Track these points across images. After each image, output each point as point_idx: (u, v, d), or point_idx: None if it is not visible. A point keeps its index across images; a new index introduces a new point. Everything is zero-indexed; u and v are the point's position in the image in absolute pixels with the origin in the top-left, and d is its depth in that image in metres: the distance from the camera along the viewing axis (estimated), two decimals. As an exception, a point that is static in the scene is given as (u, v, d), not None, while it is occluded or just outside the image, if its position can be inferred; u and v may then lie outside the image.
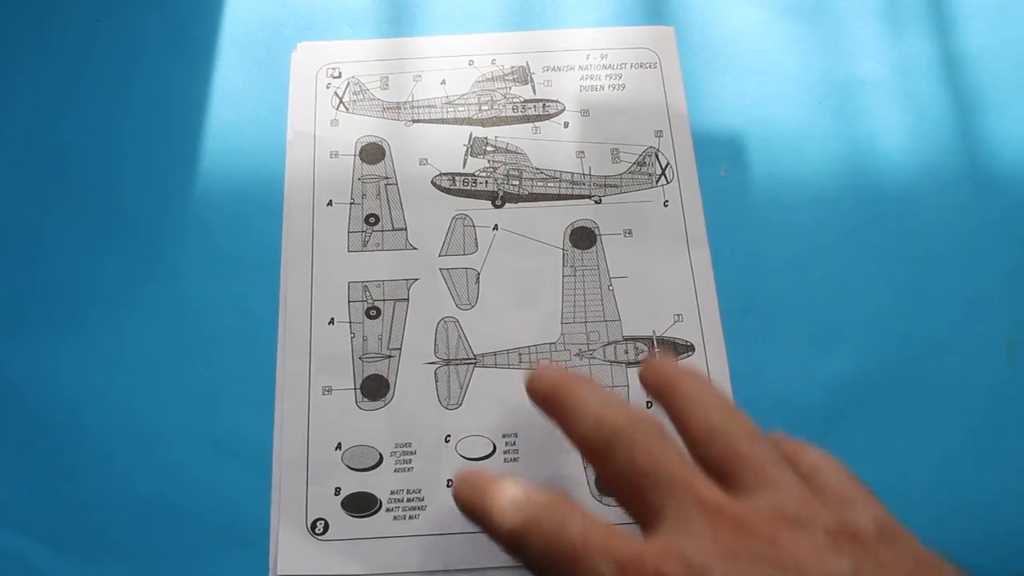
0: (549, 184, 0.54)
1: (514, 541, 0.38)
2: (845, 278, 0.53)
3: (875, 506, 0.36)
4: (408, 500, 0.48)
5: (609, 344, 0.51)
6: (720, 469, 0.37)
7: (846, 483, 0.37)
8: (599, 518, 0.36)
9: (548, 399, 0.42)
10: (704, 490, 0.35)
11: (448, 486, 0.48)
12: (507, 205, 0.54)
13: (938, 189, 0.55)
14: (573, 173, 0.55)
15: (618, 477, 0.37)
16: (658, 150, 0.55)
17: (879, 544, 0.34)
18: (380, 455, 0.48)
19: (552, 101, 0.57)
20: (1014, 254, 0.53)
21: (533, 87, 0.57)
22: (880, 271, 0.53)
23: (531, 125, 0.56)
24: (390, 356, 0.50)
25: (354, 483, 0.48)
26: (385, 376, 0.50)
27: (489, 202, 0.54)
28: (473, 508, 0.40)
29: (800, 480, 0.37)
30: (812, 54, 0.59)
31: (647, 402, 0.48)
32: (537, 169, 0.55)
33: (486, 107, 0.56)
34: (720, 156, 0.56)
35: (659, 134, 0.56)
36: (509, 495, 0.39)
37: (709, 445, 0.38)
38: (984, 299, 0.52)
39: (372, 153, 0.55)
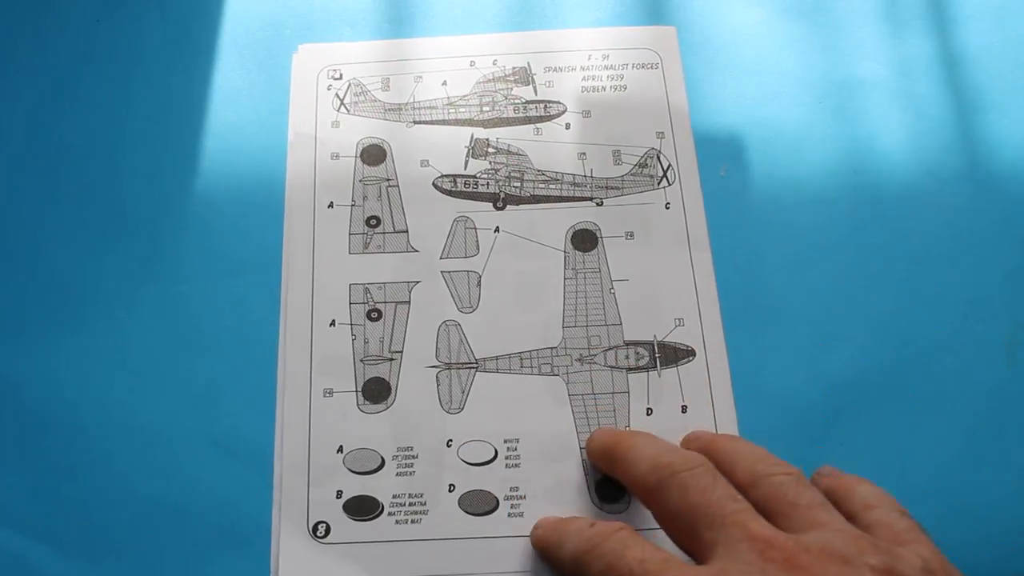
0: (551, 186, 0.54)
1: (576, 564, 0.40)
2: (845, 278, 0.52)
3: (925, 545, 0.36)
4: (410, 504, 0.47)
5: (610, 349, 0.50)
6: (768, 512, 0.38)
7: (897, 520, 0.38)
8: (659, 548, 0.38)
9: (607, 451, 0.45)
10: (755, 526, 0.36)
11: (450, 491, 0.47)
12: (508, 207, 0.53)
13: (938, 189, 0.55)
14: (575, 175, 0.54)
15: (672, 515, 0.39)
16: (660, 152, 0.55)
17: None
18: (382, 459, 0.48)
19: (553, 102, 0.56)
20: (1014, 254, 0.53)
21: (534, 88, 0.57)
22: (880, 271, 0.52)
23: (532, 126, 0.56)
24: (391, 359, 0.50)
25: (356, 486, 0.47)
26: (386, 379, 0.50)
27: (491, 204, 0.54)
28: (545, 542, 0.44)
29: (847, 520, 0.38)
30: (812, 54, 0.58)
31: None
32: (539, 171, 0.54)
33: (487, 108, 0.56)
34: (720, 156, 0.55)
35: (661, 135, 0.55)
36: (576, 525, 0.42)
37: (756, 489, 0.39)
38: (984, 299, 0.52)
39: (373, 155, 0.55)
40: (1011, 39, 0.59)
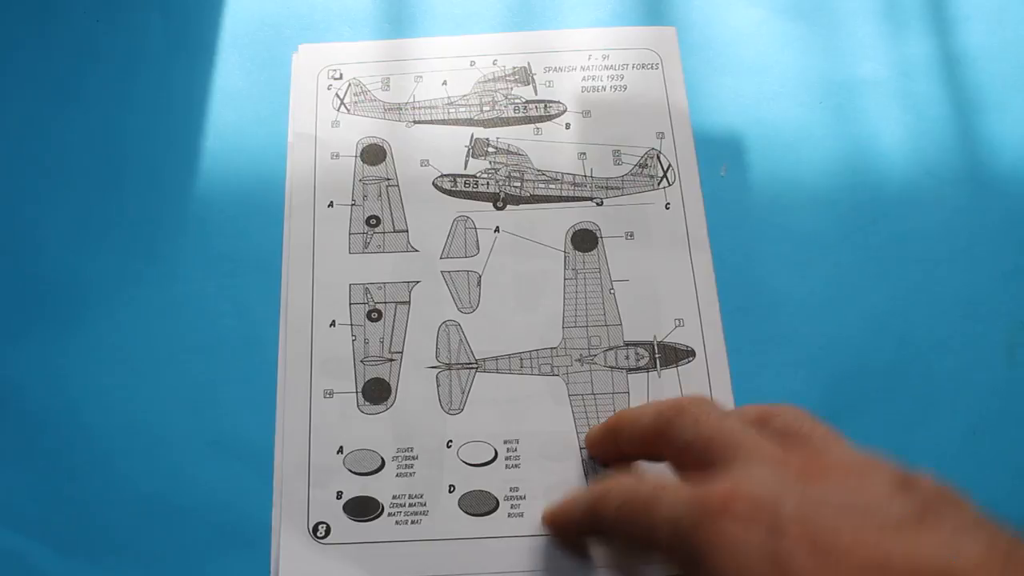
0: (551, 186, 0.53)
1: (592, 510, 0.41)
2: (845, 278, 0.52)
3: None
4: (410, 505, 0.46)
5: (610, 350, 0.50)
6: (781, 445, 0.38)
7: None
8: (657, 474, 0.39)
9: (608, 429, 0.45)
10: (769, 447, 0.37)
11: (451, 492, 0.47)
12: (508, 207, 0.53)
13: (938, 189, 0.54)
14: (575, 175, 0.54)
15: (683, 449, 0.39)
16: (660, 152, 0.54)
17: (937, 497, 0.33)
18: (382, 459, 0.47)
19: (554, 102, 0.55)
20: (1014, 254, 0.52)
21: (534, 88, 0.56)
22: (880, 271, 0.52)
23: (532, 126, 0.55)
24: (391, 360, 0.49)
25: (356, 487, 0.47)
26: (387, 380, 0.49)
27: (491, 204, 0.53)
28: (554, 513, 0.45)
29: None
30: (812, 54, 0.58)
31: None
32: (539, 171, 0.54)
33: (487, 108, 0.55)
34: (720, 156, 0.55)
35: (661, 136, 0.54)
36: (579, 495, 0.43)
37: (767, 427, 0.39)
38: (984, 299, 0.51)
39: (373, 154, 0.54)
40: (1011, 39, 0.58)
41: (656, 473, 0.41)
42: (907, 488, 0.33)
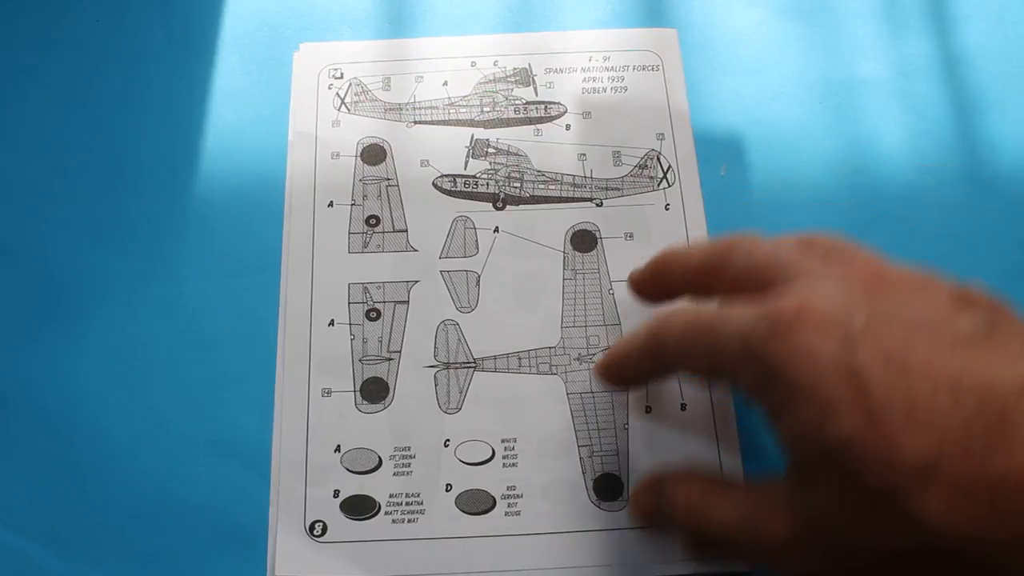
0: (550, 186, 0.53)
1: (653, 340, 0.40)
2: (845, 278, 0.50)
3: None
4: (407, 504, 0.46)
5: (609, 348, 0.48)
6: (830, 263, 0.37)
7: None
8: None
9: (654, 270, 0.44)
10: (828, 267, 0.36)
11: (448, 490, 0.46)
12: (508, 207, 0.52)
13: (938, 189, 0.53)
14: (574, 176, 0.53)
15: (739, 278, 0.38)
16: (660, 153, 0.53)
17: (997, 309, 0.34)
18: (379, 458, 0.47)
19: (554, 103, 0.55)
20: (1014, 254, 0.52)
21: (535, 89, 0.55)
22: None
23: (533, 127, 0.54)
24: (390, 359, 0.49)
25: (353, 486, 0.46)
26: (385, 379, 0.48)
27: (490, 204, 0.52)
28: (609, 357, 0.44)
29: None
30: (812, 54, 0.57)
31: None
32: (538, 171, 0.53)
33: (488, 109, 0.55)
34: (720, 157, 0.54)
35: (661, 137, 0.54)
36: (636, 329, 0.42)
37: (810, 249, 0.38)
38: None
39: (373, 154, 0.53)
40: (1011, 39, 0.57)
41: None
42: (969, 304, 0.34)
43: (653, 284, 0.45)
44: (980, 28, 0.57)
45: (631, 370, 0.43)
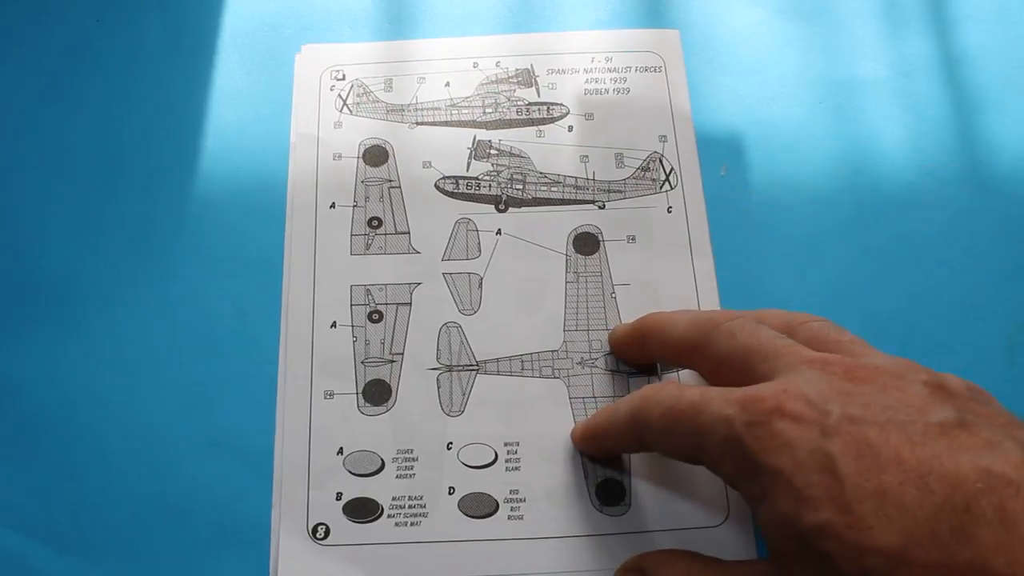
0: (553, 189, 0.52)
1: (635, 421, 0.40)
2: (845, 278, 0.51)
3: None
4: (410, 507, 0.45)
5: (611, 353, 0.48)
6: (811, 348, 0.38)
7: None
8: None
9: (636, 330, 0.46)
10: (809, 352, 0.37)
11: (450, 493, 0.45)
12: (511, 209, 0.51)
13: (938, 189, 0.53)
14: (577, 178, 0.52)
15: (721, 361, 0.39)
16: (662, 155, 0.53)
17: (971, 400, 0.34)
18: (382, 461, 0.46)
19: (556, 104, 0.54)
20: (1014, 254, 0.51)
21: (537, 90, 0.55)
22: (880, 271, 0.51)
23: (535, 128, 0.54)
24: (392, 361, 0.48)
25: (356, 488, 0.46)
26: (387, 381, 0.48)
27: (493, 206, 0.52)
28: (589, 428, 0.45)
29: None
30: (812, 54, 0.57)
31: None
32: (541, 173, 0.52)
33: (490, 110, 0.54)
34: (722, 158, 0.53)
35: (663, 139, 0.53)
36: (609, 412, 0.42)
37: (796, 334, 0.39)
38: (984, 299, 0.50)
39: (375, 156, 0.53)
40: (1011, 39, 0.57)
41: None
42: (943, 392, 0.34)
43: (634, 348, 0.46)
44: (980, 28, 0.57)
45: (612, 445, 0.44)
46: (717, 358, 0.39)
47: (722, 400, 0.35)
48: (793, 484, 0.32)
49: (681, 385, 0.38)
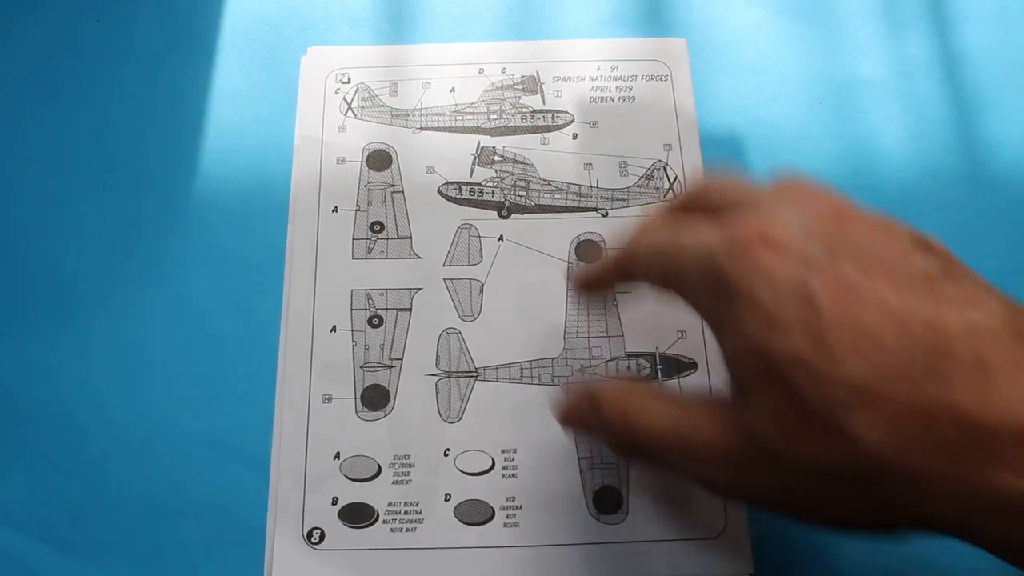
0: (556, 196, 0.49)
1: (624, 255, 0.37)
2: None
3: None
4: (406, 513, 0.42)
5: (611, 360, 0.45)
6: None
7: None
8: None
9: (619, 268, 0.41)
10: (796, 193, 0.34)
11: (446, 500, 0.42)
12: (513, 216, 0.48)
13: (938, 189, 0.49)
14: (580, 185, 0.49)
15: (712, 207, 0.35)
16: (667, 164, 0.50)
17: (955, 259, 0.32)
18: (379, 466, 0.43)
19: (561, 112, 0.51)
20: (1014, 254, 0.48)
21: (542, 97, 0.51)
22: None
23: (539, 136, 0.50)
24: (391, 366, 0.45)
25: (352, 493, 0.42)
26: (386, 386, 0.45)
27: (495, 212, 0.48)
28: (587, 271, 0.41)
29: None
30: (812, 54, 0.53)
31: None
32: (544, 180, 0.49)
33: (495, 116, 0.51)
34: (723, 160, 0.50)
35: (668, 148, 0.50)
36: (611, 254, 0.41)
37: (779, 182, 0.35)
38: None
39: (379, 160, 0.50)
40: (1011, 39, 0.53)
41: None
42: (927, 247, 0.32)
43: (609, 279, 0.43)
44: (980, 28, 0.53)
45: (603, 282, 0.41)
46: (706, 207, 0.35)
47: (706, 231, 0.33)
48: (768, 311, 0.30)
49: (675, 223, 0.36)
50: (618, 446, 0.38)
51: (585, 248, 0.47)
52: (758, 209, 0.33)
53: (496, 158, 0.49)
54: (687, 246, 0.33)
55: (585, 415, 0.38)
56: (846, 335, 0.28)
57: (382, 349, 0.45)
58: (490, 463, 0.43)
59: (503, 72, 0.52)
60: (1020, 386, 0.27)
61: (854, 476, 0.29)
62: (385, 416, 0.44)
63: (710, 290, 0.32)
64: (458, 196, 0.49)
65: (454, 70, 0.52)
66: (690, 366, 0.45)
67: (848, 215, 0.32)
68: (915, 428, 0.27)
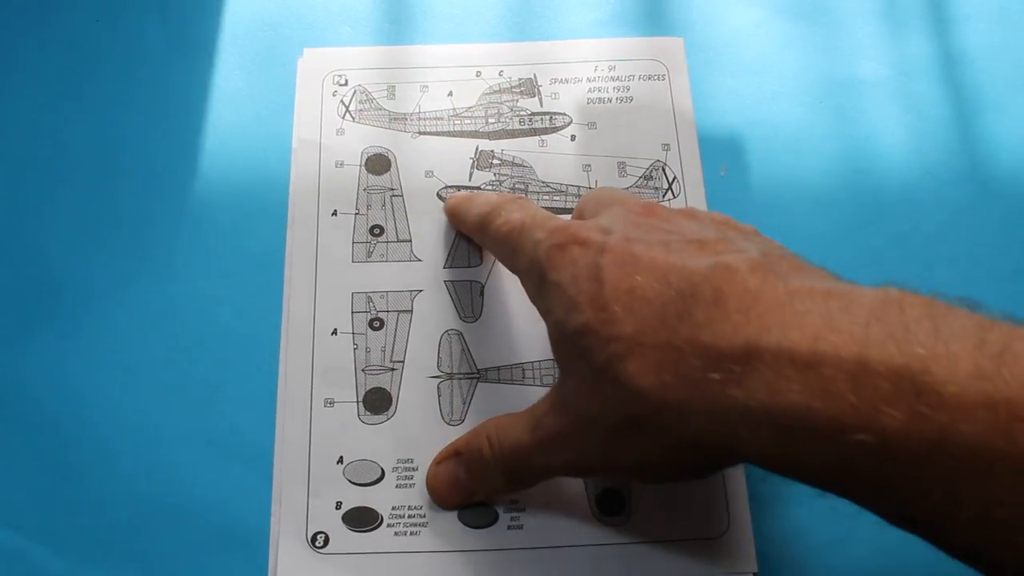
0: (555, 198, 0.49)
1: (480, 225, 0.43)
2: (845, 278, 0.45)
3: None
4: (409, 516, 0.43)
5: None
6: None
7: None
8: (547, 212, 0.41)
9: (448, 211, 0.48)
10: (627, 199, 0.40)
11: None
12: (513, 218, 0.48)
13: (938, 189, 0.50)
14: (579, 187, 0.50)
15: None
16: (665, 164, 0.50)
17: (751, 232, 0.37)
18: (382, 470, 0.44)
19: (559, 114, 0.51)
20: (1014, 254, 0.49)
21: (540, 99, 0.52)
22: (880, 271, 0.47)
23: (538, 138, 0.51)
24: (392, 369, 0.46)
25: (355, 497, 0.43)
26: (387, 389, 0.45)
27: (495, 215, 0.48)
28: (455, 210, 0.47)
29: None
30: (812, 54, 0.54)
31: None
32: (543, 183, 0.50)
33: (493, 120, 0.51)
34: (722, 159, 0.51)
35: (666, 147, 0.51)
36: (483, 197, 0.45)
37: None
38: (984, 299, 0.45)
39: (378, 164, 0.50)
40: (1011, 39, 0.54)
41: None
42: (725, 224, 0.37)
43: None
44: (980, 28, 0.54)
45: (460, 226, 0.47)
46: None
47: (540, 227, 0.38)
48: (568, 294, 0.34)
49: (526, 204, 0.41)
50: (507, 480, 0.40)
51: (584, 248, 0.49)
52: (589, 215, 0.39)
53: (495, 162, 0.50)
54: (528, 237, 0.38)
55: (458, 475, 0.41)
56: (623, 299, 0.33)
57: (383, 352, 0.46)
58: (493, 466, 0.45)
59: (500, 75, 0.52)
60: (746, 311, 0.30)
61: (636, 421, 0.33)
62: (387, 419, 0.44)
63: (534, 281, 0.37)
64: (457, 199, 0.51)
65: (451, 72, 0.52)
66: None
67: (659, 211, 0.37)
68: (671, 366, 0.31)
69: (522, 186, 0.49)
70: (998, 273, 0.48)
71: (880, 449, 0.27)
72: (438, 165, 0.50)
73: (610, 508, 0.42)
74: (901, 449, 0.27)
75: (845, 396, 0.27)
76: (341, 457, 0.44)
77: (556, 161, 0.50)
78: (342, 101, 0.52)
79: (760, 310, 0.30)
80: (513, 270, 0.41)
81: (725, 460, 0.35)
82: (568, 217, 0.41)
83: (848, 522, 0.42)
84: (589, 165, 0.50)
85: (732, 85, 0.53)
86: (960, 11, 0.55)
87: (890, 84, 0.53)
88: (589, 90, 0.52)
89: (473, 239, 0.47)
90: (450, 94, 0.52)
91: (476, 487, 0.42)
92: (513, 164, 0.50)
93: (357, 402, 0.45)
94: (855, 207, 0.50)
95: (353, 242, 0.48)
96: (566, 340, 0.35)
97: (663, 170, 0.50)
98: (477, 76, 0.52)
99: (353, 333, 0.46)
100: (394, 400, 0.45)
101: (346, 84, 0.52)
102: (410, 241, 0.48)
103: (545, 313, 0.37)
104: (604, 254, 0.34)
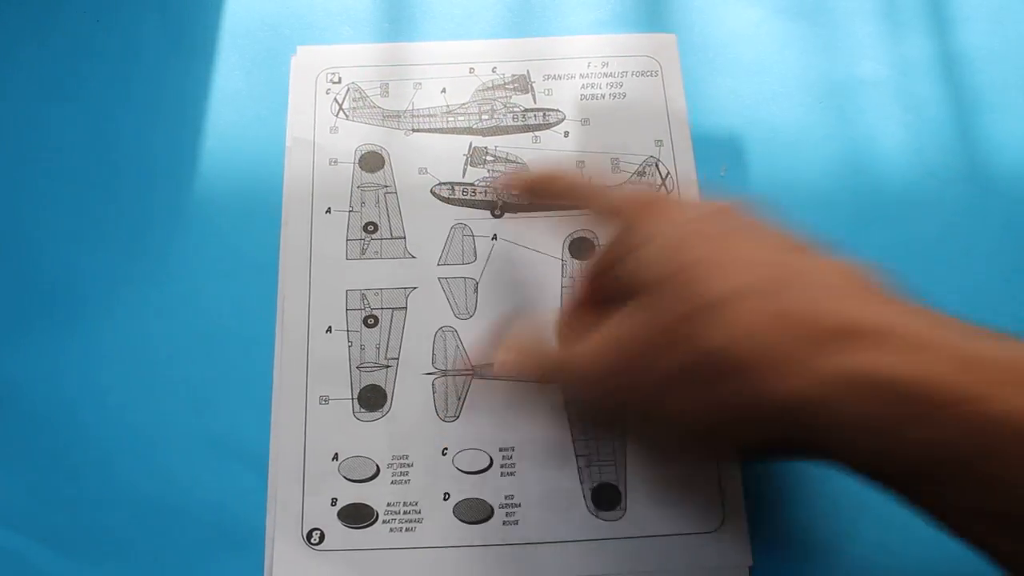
0: None
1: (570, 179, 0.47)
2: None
3: None
4: (405, 512, 0.44)
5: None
6: None
7: None
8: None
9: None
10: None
11: (445, 499, 0.45)
12: (506, 215, 0.50)
13: (938, 189, 0.52)
14: None
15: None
16: (658, 160, 0.52)
17: (813, 238, 0.39)
18: (377, 467, 0.45)
19: (552, 110, 0.53)
20: (1014, 254, 0.50)
21: (533, 96, 0.53)
22: (880, 271, 0.48)
23: (531, 135, 0.53)
24: (387, 366, 0.47)
25: (351, 494, 0.45)
26: (382, 386, 0.47)
27: (488, 212, 0.51)
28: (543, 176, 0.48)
29: None
30: (812, 54, 0.56)
31: None
32: None
33: (486, 116, 0.53)
34: (720, 159, 0.53)
35: (659, 143, 0.52)
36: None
37: None
38: (984, 299, 0.49)
39: (371, 162, 0.52)
40: (1011, 39, 0.56)
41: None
42: (790, 238, 0.39)
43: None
44: (980, 28, 0.56)
45: (548, 191, 0.47)
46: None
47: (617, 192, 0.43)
48: (661, 245, 0.38)
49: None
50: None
51: (578, 245, 0.50)
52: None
53: (488, 158, 0.52)
54: (605, 196, 0.42)
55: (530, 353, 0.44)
56: (714, 266, 0.35)
57: (378, 349, 0.47)
58: (488, 461, 0.45)
59: (494, 71, 0.54)
60: (846, 297, 0.34)
61: (720, 369, 0.34)
62: (382, 416, 0.46)
63: (620, 225, 0.41)
64: (451, 196, 0.51)
65: (445, 70, 0.54)
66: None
67: (730, 211, 0.39)
68: (782, 319, 0.33)
69: (516, 182, 0.51)
70: (998, 273, 0.49)
71: (994, 428, 0.29)
72: (432, 162, 0.51)
73: (606, 503, 0.44)
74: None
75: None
76: (336, 454, 0.45)
77: (550, 157, 0.52)
78: (336, 99, 0.53)
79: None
80: (597, 212, 0.44)
81: (778, 444, 0.37)
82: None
83: (844, 519, 0.44)
84: (583, 161, 0.52)
85: (731, 85, 0.54)
86: (960, 11, 0.56)
87: (890, 84, 0.54)
88: (582, 86, 0.54)
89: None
90: (443, 91, 0.53)
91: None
92: (507, 160, 0.52)
93: (352, 399, 0.46)
94: (855, 207, 0.51)
95: (347, 239, 0.50)
96: (648, 283, 0.37)
97: (656, 166, 0.51)
98: (470, 73, 0.54)
99: (348, 330, 0.48)
100: (389, 397, 0.46)
101: (339, 82, 0.54)
102: (404, 238, 0.50)
103: (628, 251, 0.39)
104: (692, 224, 0.38)
